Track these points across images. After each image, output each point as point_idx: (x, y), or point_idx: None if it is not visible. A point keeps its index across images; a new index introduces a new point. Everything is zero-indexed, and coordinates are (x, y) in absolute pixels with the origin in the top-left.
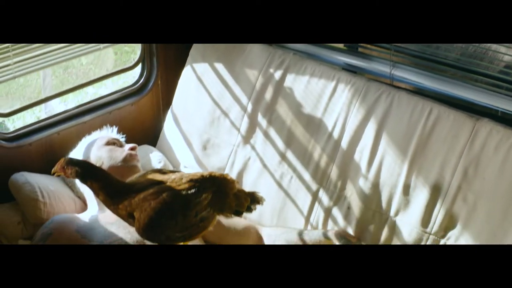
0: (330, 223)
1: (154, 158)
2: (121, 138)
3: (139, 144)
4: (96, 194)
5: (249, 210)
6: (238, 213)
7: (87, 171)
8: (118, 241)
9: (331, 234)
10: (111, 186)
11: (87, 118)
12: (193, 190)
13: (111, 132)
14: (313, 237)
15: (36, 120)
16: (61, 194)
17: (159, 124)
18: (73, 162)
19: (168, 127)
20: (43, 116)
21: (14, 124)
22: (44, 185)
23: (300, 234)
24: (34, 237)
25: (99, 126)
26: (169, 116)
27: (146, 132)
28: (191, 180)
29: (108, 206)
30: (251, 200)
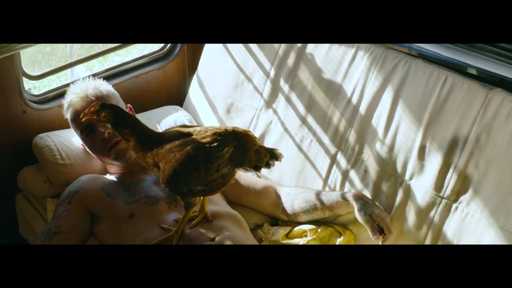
0: (347, 186)
1: (182, 116)
2: None
3: (165, 105)
4: (126, 140)
5: (268, 166)
6: (257, 168)
7: (119, 116)
8: (143, 200)
9: (348, 196)
10: (141, 133)
11: (115, 81)
12: (216, 143)
13: None
14: (331, 197)
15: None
16: (84, 155)
17: (184, 88)
18: (107, 106)
19: (194, 91)
20: None
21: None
22: (66, 147)
23: (318, 194)
24: (60, 196)
25: (126, 90)
26: (194, 81)
27: (172, 96)
28: (215, 133)
29: (136, 153)
30: (270, 156)
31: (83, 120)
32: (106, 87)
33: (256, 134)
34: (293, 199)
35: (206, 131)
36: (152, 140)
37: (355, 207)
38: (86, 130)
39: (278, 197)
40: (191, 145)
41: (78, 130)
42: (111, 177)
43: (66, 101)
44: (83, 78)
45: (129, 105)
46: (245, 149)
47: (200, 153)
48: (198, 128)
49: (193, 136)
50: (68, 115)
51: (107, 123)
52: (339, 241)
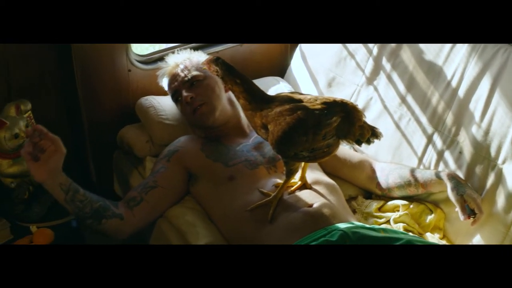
0: (441, 165)
1: (283, 87)
2: None
3: (266, 76)
4: (237, 97)
5: (368, 142)
6: (359, 142)
7: (231, 71)
8: (242, 163)
9: (443, 175)
10: (252, 92)
11: (219, 48)
12: (325, 112)
13: None
14: (425, 175)
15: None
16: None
17: (286, 60)
18: (219, 61)
19: (296, 63)
20: None
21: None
22: (169, 109)
23: (413, 171)
24: (160, 154)
25: (229, 57)
26: (297, 53)
27: (273, 67)
28: (324, 103)
29: (245, 111)
30: (372, 133)
31: (203, 68)
32: (197, 59)
33: None
34: (388, 174)
35: (316, 100)
36: (263, 100)
37: (448, 186)
38: (175, 96)
39: (373, 171)
40: (301, 110)
41: (171, 97)
42: (210, 139)
43: (160, 72)
44: (176, 50)
45: None
46: (351, 122)
47: (309, 119)
48: (308, 96)
49: (304, 103)
50: (162, 84)
51: (218, 75)
52: (429, 218)
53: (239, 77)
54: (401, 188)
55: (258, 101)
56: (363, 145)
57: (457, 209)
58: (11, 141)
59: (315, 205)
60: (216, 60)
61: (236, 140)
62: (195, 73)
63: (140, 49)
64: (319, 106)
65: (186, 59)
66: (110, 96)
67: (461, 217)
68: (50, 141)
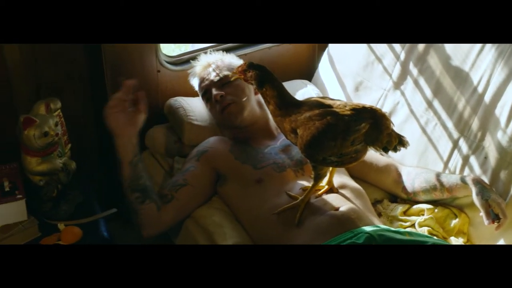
0: (466, 170)
1: (311, 91)
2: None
3: (294, 79)
4: (267, 102)
5: (395, 150)
6: (386, 150)
7: (266, 76)
8: (271, 166)
9: (468, 179)
10: (283, 97)
11: (248, 50)
12: (354, 118)
13: None
14: (450, 180)
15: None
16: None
17: (313, 64)
18: (254, 66)
19: (323, 67)
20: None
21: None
22: (199, 110)
23: (438, 175)
24: (189, 154)
25: (258, 59)
26: (325, 57)
27: (301, 70)
28: (354, 109)
29: (275, 117)
30: (399, 142)
31: (232, 79)
32: (229, 60)
33: None
34: (413, 178)
35: (345, 106)
36: (292, 105)
37: (473, 190)
38: (206, 96)
39: (399, 175)
40: (331, 116)
41: (201, 97)
42: (238, 140)
43: (191, 70)
44: (208, 51)
45: None
46: (380, 130)
47: (339, 124)
48: (338, 102)
49: (333, 108)
50: (192, 83)
51: (253, 82)
52: (454, 222)
53: (271, 81)
54: (426, 192)
55: (288, 106)
56: (390, 152)
57: (482, 213)
58: (41, 139)
59: (341, 209)
60: (249, 66)
61: (264, 142)
62: (226, 73)
63: (167, 50)
64: (348, 112)
65: (218, 60)
66: None
67: (486, 221)
68: (142, 98)
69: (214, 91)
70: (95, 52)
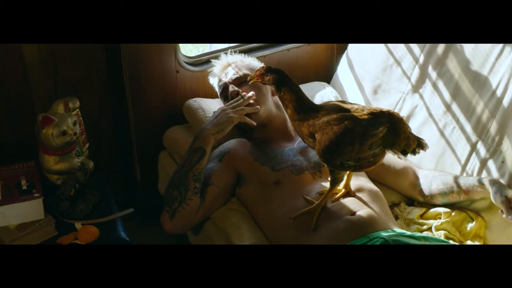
0: (484, 173)
1: (329, 93)
2: None
3: (312, 81)
4: (285, 105)
5: (414, 152)
6: (404, 153)
7: (284, 79)
8: (289, 168)
9: (485, 181)
10: (301, 101)
11: (267, 52)
12: (372, 122)
13: None
14: (467, 182)
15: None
16: None
17: (332, 66)
18: (272, 70)
19: (342, 70)
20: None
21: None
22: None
23: (456, 178)
24: (211, 154)
25: (276, 61)
26: (343, 60)
27: (319, 72)
28: (371, 113)
29: (293, 121)
30: (418, 144)
31: (250, 82)
32: (249, 61)
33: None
34: (431, 181)
35: (363, 110)
36: (310, 110)
37: (491, 190)
38: (223, 94)
39: (416, 178)
40: (348, 120)
41: (219, 95)
42: (257, 141)
43: (211, 70)
44: (226, 52)
45: None
46: (397, 133)
47: (357, 129)
48: (356, 106)
49: (351, 113)
50: (212, 82)
51: (271, 85)
52: (470, 226)
53: (289, 85)
54: (443, 194)
55: (306, 110)
56: (408, 155)
57: (502, 210)
58: (59, 138)
59: (358, 213)
60: (267, 70)
61: (282, 144)
62: (245, 71)
63: (184, 50)
64: (366, 116)
65: (238, 60)
66: (157, 97)
67: (508, 217)
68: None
69: (231, 88)
70: (114, 52)
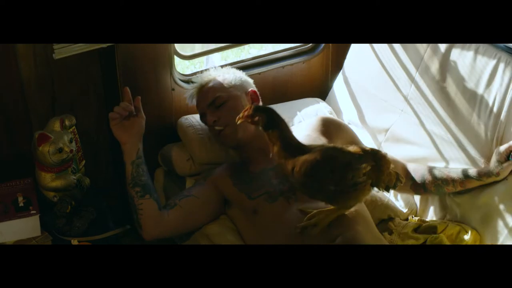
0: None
1: (323, 108)
2: None
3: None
4: (272, 143)
5: (394, 187)
6: (387, 189)
7: (272, 120)
8: (263, 197)
9: (474, 170)
10: (289, 140)
11: (262, 69)
12: (356, 156)
13: None
14: (459, 170)
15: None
16: None
17: (326, 83)
18: (260, 109)
19: (338, 87)
20: None
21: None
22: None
23: (448, 169)
24: (201, 174)
25: (271, 78)
26: (339, 77)
27: (314, 89)
28: (356, 150)
29: (279, 159)
30: (396, 178)
31: (238, 123)
32: (224, 75)
33: (397, 134)
34: (422, 175)
35: (348, 146)
36: (298, 149)
37: (494, 158)
38: (203, 119)
39: (406, 172)
40: (333, 149)
41: (200, 119)
42: (240, 164)
43: (187, 91)
44: (214, 67)
45: (251, 89)
46: (380, 171)
47: (339, 158)
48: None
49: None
50: (192, 104)
51: (260, 126)
52: (466, 238)
53: (277, 124)
54: (437, 186)
55: (293, 150)
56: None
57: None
58: (55, 155)
59: (337, 240)
60: (256, 110)
61: (261, 165)
62: (218, 94)
63: (181, 67)
64: (352, 150)
65: (211, 80)
66: (153, 114)
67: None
68: (138, 104)
69: (208, 116)
70: (110, 69)
